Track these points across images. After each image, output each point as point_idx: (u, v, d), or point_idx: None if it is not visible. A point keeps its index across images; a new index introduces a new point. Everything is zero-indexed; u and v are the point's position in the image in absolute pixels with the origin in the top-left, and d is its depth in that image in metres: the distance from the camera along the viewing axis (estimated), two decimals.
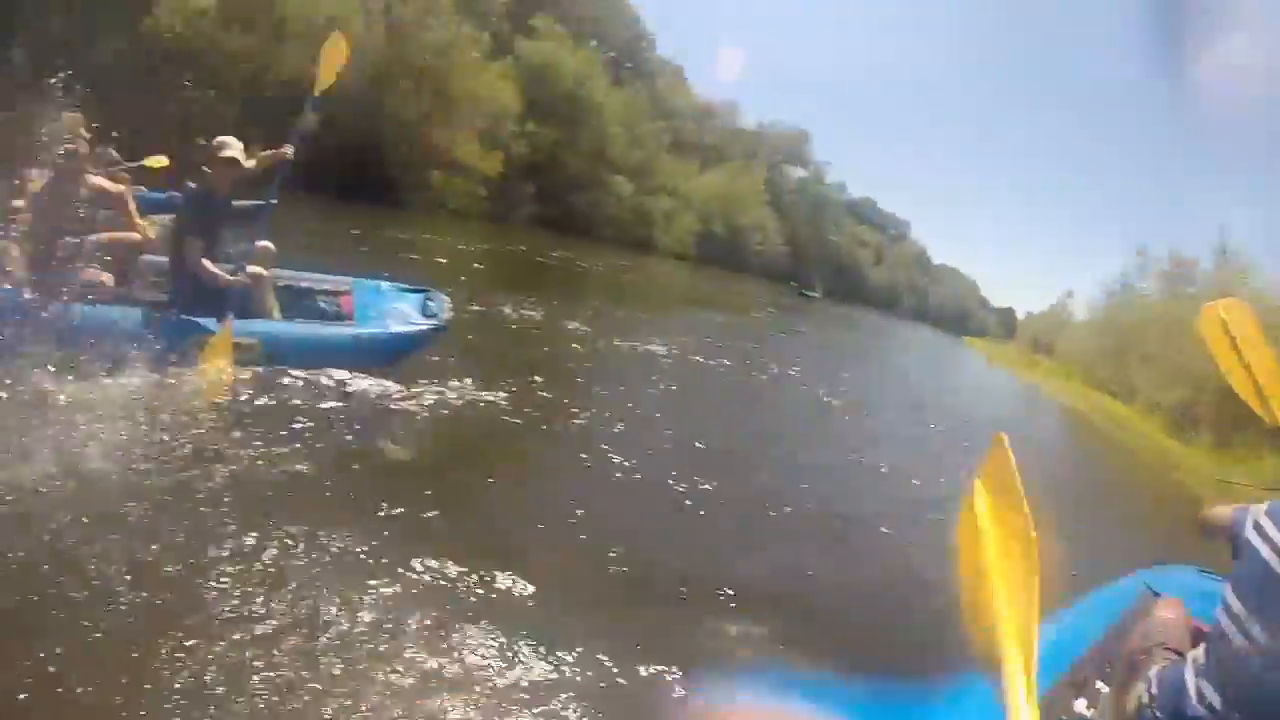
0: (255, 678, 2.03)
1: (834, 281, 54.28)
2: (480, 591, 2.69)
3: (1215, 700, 1.50)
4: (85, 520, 2.53)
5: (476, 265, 12.41)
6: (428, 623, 2.41)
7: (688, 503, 4.23)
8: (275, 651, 2.14)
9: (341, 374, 4.54)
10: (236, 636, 2.16)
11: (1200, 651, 1.59)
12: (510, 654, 2.37)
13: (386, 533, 2.92)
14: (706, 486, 4.48)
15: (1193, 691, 1.54)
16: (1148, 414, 16.95)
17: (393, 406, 4.51)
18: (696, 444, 5.48)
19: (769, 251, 44.52)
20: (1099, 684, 1.91)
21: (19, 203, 4.40)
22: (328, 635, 2.26)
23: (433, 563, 2.77)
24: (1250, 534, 1.56)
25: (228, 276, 4.42)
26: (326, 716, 1.98)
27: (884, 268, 70.85)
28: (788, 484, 5.14)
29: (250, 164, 4.62)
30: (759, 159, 46.86)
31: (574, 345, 8.06)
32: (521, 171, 24.12)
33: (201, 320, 4.26)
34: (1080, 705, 1.87)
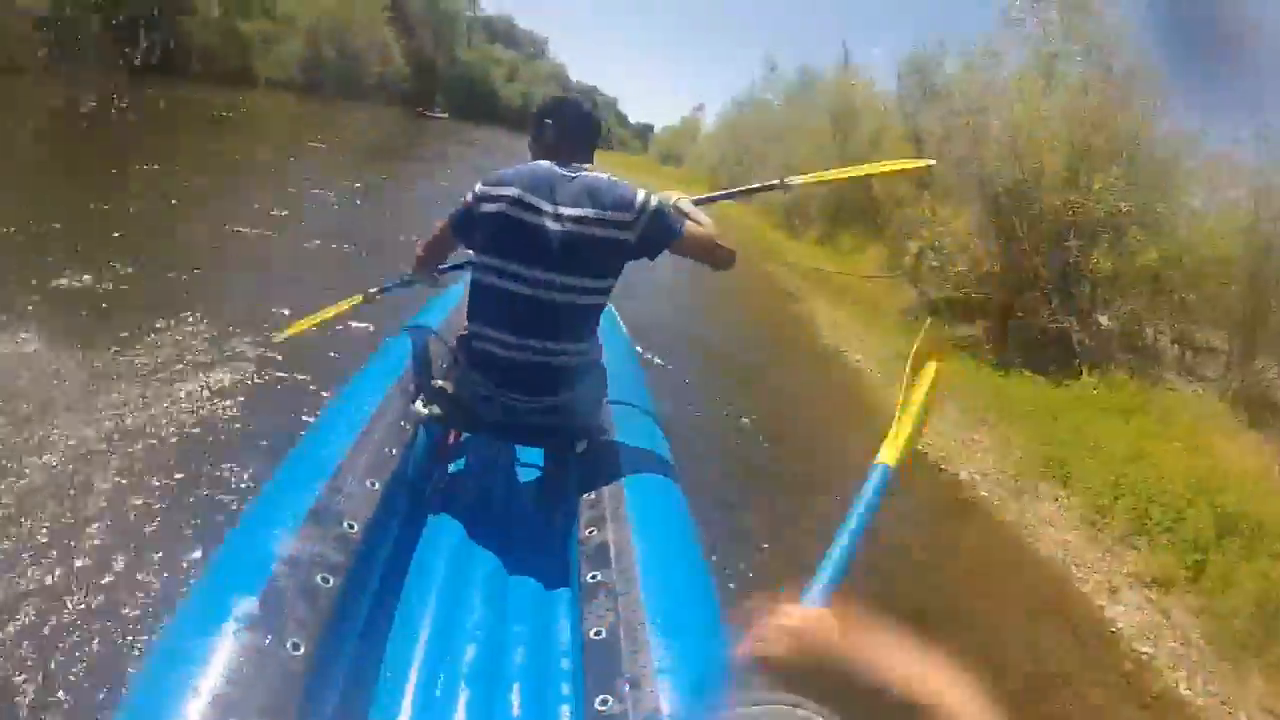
0: None
1: (464, 101, 51.62)
2: None
3: None
4: None
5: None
6: None
7: None
8: None
9: None
10: None
11: None
12: None
13: None
14: None
15: None
16: (764, 213, 17.47)
17: None
18: None
19: (392, 75, 39.43)
20: None
21: None
22: None
23: None
24: None
25: None
26: None
27: (517, 85, 67.77)
28: None
29: None
30: None
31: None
32: (83, 8, 18.85)
33: None
34: None
